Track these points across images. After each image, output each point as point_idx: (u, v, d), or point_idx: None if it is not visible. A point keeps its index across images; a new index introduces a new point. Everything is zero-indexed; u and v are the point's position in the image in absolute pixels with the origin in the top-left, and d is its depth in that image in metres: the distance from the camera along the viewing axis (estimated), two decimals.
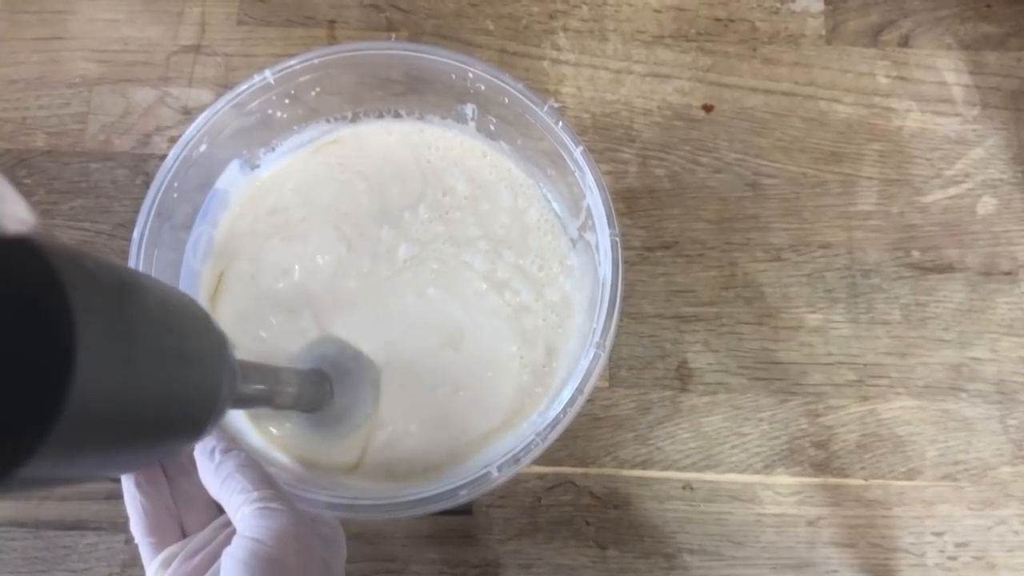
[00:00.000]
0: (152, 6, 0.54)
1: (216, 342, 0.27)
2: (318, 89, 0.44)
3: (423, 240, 0.45)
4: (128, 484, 0.34)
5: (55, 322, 0.18)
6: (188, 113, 0.52)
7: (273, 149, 0.47)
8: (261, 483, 0.31)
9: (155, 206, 0.40)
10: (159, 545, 0.33)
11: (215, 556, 0.32)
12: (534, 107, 0.41)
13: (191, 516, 0.35)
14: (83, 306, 0.18)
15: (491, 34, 0.54)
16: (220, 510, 0.36)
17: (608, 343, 0.38)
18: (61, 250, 0.19)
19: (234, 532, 0.33)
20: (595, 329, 0.38)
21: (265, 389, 0.35)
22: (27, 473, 0.18)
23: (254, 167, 0.47)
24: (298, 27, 0.54)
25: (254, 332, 0.44)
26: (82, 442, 0.19)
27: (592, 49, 0.53)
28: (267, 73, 0.42)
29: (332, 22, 0.54)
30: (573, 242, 0.45)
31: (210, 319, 0.27)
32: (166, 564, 0.32)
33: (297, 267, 0.45)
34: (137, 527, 0.33)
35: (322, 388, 0.41)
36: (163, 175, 0.41)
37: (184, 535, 0.34)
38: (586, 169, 0.40)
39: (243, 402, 0.34)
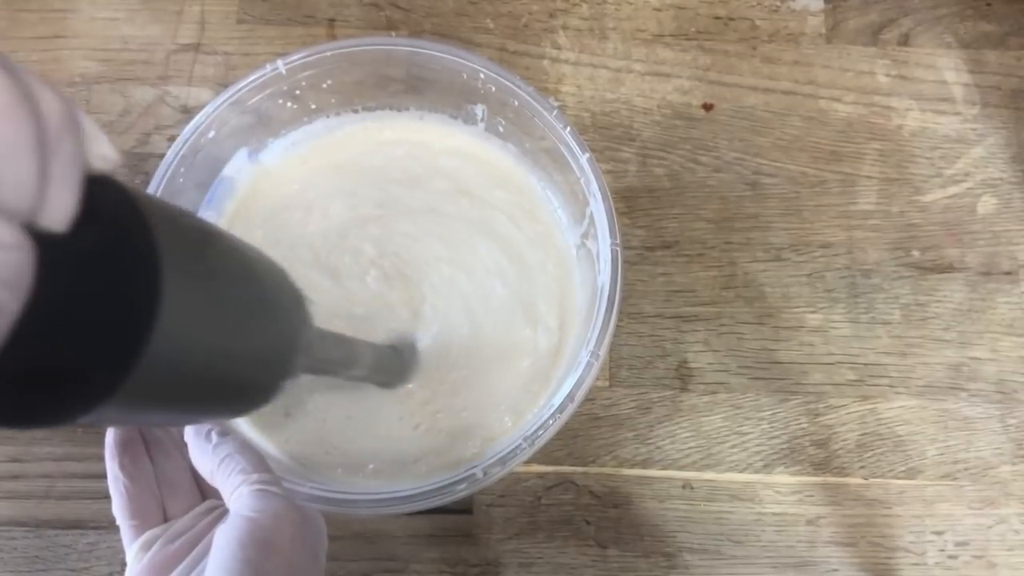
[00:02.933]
0: (152, 5, 0.54)
1: (295, 296, 0.27)
2: (329, 82, 0.44)
3: (422, 237, 0.45)
4: (112, 465, 0.34)
5: (142, 257, 0.18)
6: (188, 112, 0.52)
7: (281, 138, 0.47)
8: (260, 466, 0.31)
9: (160, 192, 0.40)
10: (140, 528, 0.33)
11: (196, 542, 0.32)
12: (543, 110, 0.41)
13: (174, 500, 0.35)
14: (168, 243, 0.18)
15: (491, 32, 0.54)
16: (203, 496, 0.36)
17: (603, 352, 0.38)
18: (142, 192, 0.19)
19: (217, 519, 0.33)
20: (590, 337, 0.38)
21: (340, 358, 0.35)
22: (101, 414, 0.18)
23: (261, 156, 0.46)
24: (298, 26, 0.54)
25: None
26: (149, 395, 0.19)
27: (592, 48, 0.53)
28: (279, 63, 0.42)
29: (332, 20, 0.54)
30: (575, 248, 0.45)
31: (287, 274, 0.27)
32: (146, 547, 0.32)
33: (300, 255, 0.45)
34: (119, 509, 0.34)
35: (396, 364, 0.41)
36: (170, 160, 0.41)
37: (166, 519, 0.34)
38: (591, 176, 0.40)
39: (317, 368, 0.33)
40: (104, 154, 0.18)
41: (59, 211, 0.16)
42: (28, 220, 0.15)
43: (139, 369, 0.17)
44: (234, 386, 0.24)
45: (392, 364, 0.41)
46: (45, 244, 0.15)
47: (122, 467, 0.34)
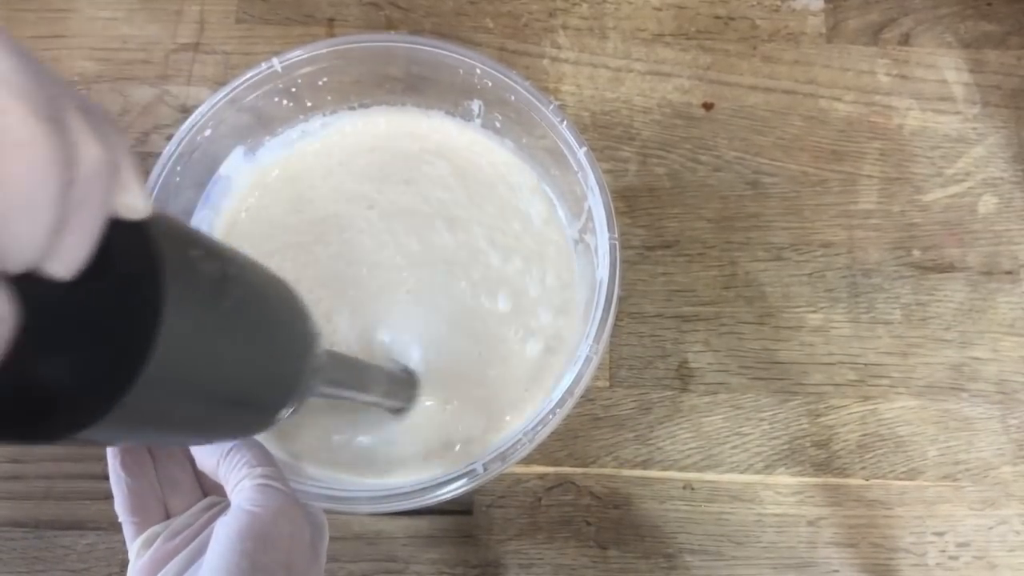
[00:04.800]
0: (151, 4, 0.54)
1: (303, 321, 0.27)
2: (325, 80, 0.44)
3: (422, 236, 0.45)
4: (113, 463, 0.34)
5: (146, 307, 0.18)
6: (187, 111, 0.52)
7: (278, 136, 0.47)
8: (265, 460, 0.31)
9: (156, 191, 0.40)
10: (142, 525, 0.33)
11: (196, 537, 0.32)
12: (540, 105, 0.41)
13: (175, 498, 0.35)
14: (176, 298, 0.18)
15: (491, 32, 0.54)
16: (205, 494, 0.36)
17: (601, 346, 0.38)
18: (172, 234, 0.19)
19: (218, 514, 0.33)
20: (589, 332, 0.38)
21: (352, 382, 0.35)
22: (88, 435, 0.18)
23: (258, 154, 0.46)
24: (297, 25, 0.54)
25: None
26: (146, 417, 0.19)
27: (592, 47, 0.53)
28: (274, 61, 0.42)
29: (331, 20, 0.54)
30: (574, 243, 0.45)
31: (297, 297, 0.27)
32: (148, 544, 0.32)
33: (299, 256, 0.45)
34: (121, 506, 0.34)
35: (409, 390, 0.42)
36: (166, 159, 0.41)
37: (168, 517, 0.34)
38: (589, 170, 0.40)
39: (327, 393, 0.34)
40: (131, 205, 0.17)
41: (67, 263, 0.16)
42: (32, 267, 0.15)
43: (131, 395, 0.18)
44: (234, 411, 0.25)
45: (405, 388, 0.42)
46: (44, 286, 0.16)
47: (123, 465, 0.34)
